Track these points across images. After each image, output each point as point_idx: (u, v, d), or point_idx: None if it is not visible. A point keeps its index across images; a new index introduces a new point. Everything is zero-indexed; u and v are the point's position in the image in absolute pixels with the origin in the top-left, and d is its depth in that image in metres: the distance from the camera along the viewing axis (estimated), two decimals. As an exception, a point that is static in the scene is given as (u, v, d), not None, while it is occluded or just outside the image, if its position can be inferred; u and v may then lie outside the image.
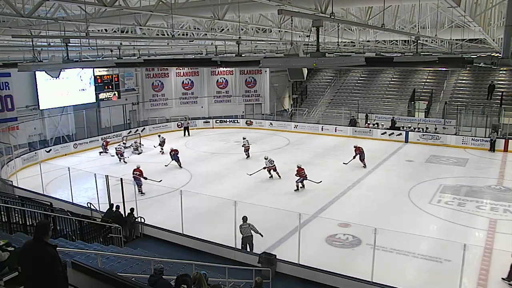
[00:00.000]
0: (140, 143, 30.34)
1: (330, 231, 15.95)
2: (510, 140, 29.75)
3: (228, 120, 40.31)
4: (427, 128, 34.49)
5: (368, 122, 37.11)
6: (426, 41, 20.06)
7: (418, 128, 34.33)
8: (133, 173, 20.78)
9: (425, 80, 41.60)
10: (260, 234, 14.30)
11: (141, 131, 33.82)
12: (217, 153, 26.45)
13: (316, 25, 8.64)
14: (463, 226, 16.82)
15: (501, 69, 37.25)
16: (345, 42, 21.90)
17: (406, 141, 32.70)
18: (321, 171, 24.02)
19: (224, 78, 42.57)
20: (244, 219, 14.30)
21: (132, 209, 16.16)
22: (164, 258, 11.63)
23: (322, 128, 36.38)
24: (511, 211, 18.33)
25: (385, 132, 34.20)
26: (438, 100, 38.49)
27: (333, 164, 26.03)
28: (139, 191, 19.84)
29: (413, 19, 15.78)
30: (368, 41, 21.18)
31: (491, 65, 7.86)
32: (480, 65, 8.40)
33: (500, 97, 35.41)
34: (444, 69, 36.47)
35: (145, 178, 20.76)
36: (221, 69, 40.87)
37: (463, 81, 39.95)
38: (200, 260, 12.21)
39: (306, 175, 20.89)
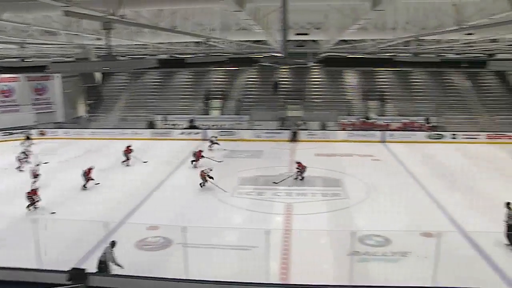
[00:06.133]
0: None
1: (140, 235, 15.61)
2: (300, 131, 33.59)
3: (16, 131, 36.13)
4: (223, 125, 36.42)
5: (166, 123, 37.67)
6: (217, 42, 21.06)
7: (215, 125, 36.09)
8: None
9: (218, 79, 43.41)
10: None
11: None
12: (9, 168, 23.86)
13: (106, 27, 8.38)
14: (264, 213, 18.18)
15: (283, 67, 41.23)
16: (138, 44, 21.64)
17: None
18: (125, 175, 23.63)
19: (9, 86, 38.29)
20: None
21: None
22: None
23: (121, 133, 35.47)
24: (303, 194, 20.55)
25: (184, 132, 35.26)
26: (231, 97, 40.81)
27: (137, 169, 25.59)
28: None
29: (204, 22, 16.40)
30: (161, 43, 21.33)
31: (274, 64, 8.62)
32: (266, 64, 9.16)
33: (285, 93, 39.23)
34: (235, 68, 39.08)
35: None
36: (2, 75, 36.50)
37: (252, 79, 42.68)
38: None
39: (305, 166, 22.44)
